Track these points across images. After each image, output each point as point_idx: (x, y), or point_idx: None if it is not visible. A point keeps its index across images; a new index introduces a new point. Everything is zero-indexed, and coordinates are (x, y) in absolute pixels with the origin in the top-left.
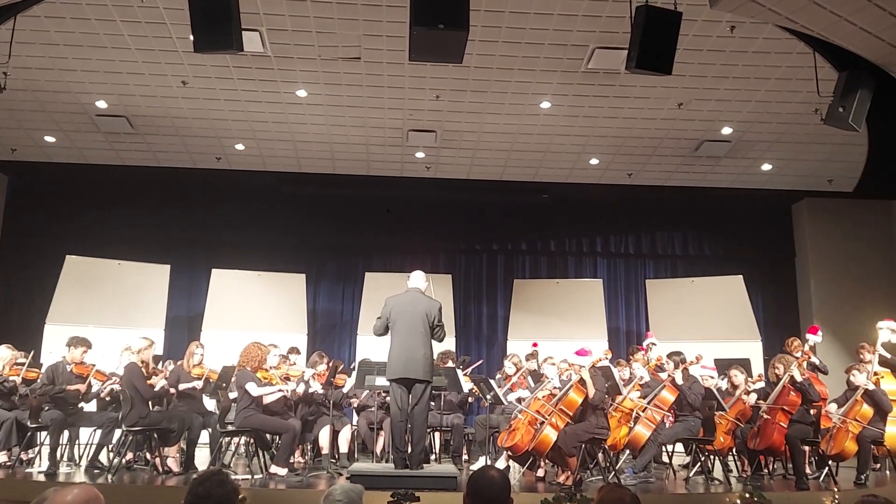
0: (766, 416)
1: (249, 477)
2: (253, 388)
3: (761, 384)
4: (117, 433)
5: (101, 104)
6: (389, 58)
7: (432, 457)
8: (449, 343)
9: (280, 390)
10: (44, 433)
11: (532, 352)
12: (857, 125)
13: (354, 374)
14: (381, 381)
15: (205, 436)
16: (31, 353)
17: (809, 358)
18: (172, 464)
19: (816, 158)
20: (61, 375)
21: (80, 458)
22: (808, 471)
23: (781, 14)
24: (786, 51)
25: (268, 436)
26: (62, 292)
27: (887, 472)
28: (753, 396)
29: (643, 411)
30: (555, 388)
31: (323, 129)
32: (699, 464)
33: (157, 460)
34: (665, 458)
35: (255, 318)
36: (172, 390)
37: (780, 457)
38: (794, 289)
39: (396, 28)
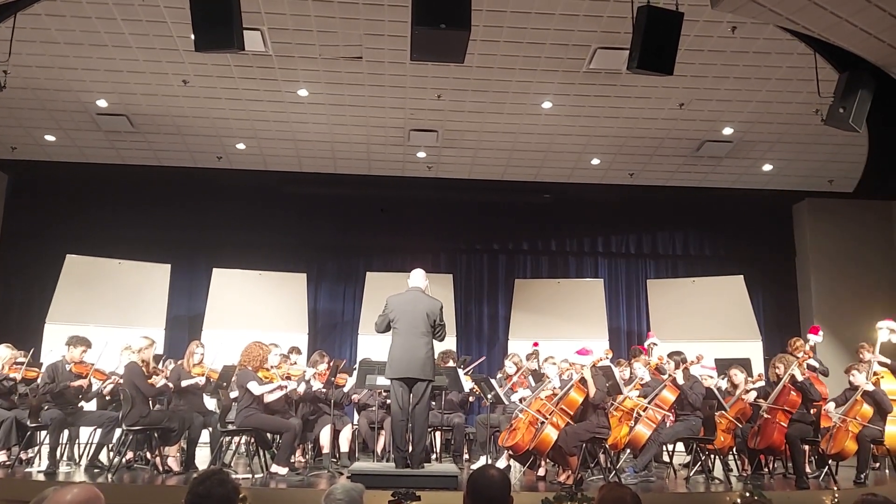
0: (766, 416)
1: (250, 476)
2: (255, 387)
3: (761, 384)
4: (117, 432)
5: (102, 103)
6: (391, 57)
7: (433, 456)
8: (450, 343)
9: (281, 386)
10: (43, 432)
11: (533, 351)
12: (858, 126)
13: (355, 373)
14: (382, 381)
15: (205, 435)
16: (31, 351)
17: (809, 358)
18: (173, 463)
19: (817, 159)
20: (61, 375)
21: (80, 457)
22: (808, 470)
23: (782, 15)
24: (787, 51)
25: (268, 435)
26: (62, 291)
27: (887, 471)
28: (753, 394)
29: (644, 411)
30: (555, 387)
31: (324, 128)
32: (699, 463)
33: (158, 459)
34: (666, 458)
35: (256, 317)
36: (172, 385)
37: (781, 456)
38: (794, 289)
39: (398, 27)
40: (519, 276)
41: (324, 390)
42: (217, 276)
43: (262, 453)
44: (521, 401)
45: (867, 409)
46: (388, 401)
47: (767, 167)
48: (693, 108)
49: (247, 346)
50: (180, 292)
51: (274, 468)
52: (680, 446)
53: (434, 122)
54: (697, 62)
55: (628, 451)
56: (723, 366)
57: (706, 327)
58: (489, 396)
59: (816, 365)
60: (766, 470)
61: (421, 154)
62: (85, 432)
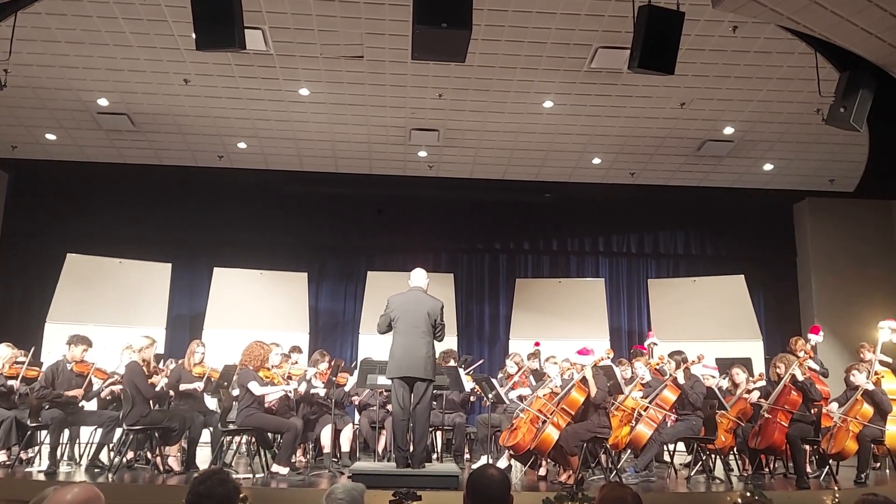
0: (767, 416)
1: (251, 476)
2: (256, 388)
3: (762, 383)
4: (118, 432)
5: (103, 102)
6: (392, 56)
7: (434, 456)
8: (451, 342)
9: (282, 391)
10: (44, 432)
11: (534, 351)
12: (859, 125)
13: (356, 372)
14: (383, 380)
15: (206, 435)
16: (31, 350)
17: (810, 358)
18: (173, 463)
19: (818, 158)
20: (61, 375)
21: (81, 457)
22: (808, 470)
23: (783, 14)
24: (787, 51)
25: (269, 435)
26: (63, 290)
27: (887, 470)
28: (756, 394)
29: (645, 410)
30: (556, 387)
31: (325, 127)
32: (700, 463)
33: (158, 459)
34: (666, 457)
35: (257, 316)
36: (170, 390)
37: (781, 456)
38: (795, 288)
39: (399, 27)
40: (520, 276)
41: (322, 394)
42: (218, 276)
43: (262, 453)
44: (521, 400)
45: (867, 409)
46: (390, 399)
47: (768, 167)
48: (694, 107)
49: (248, 346)
50: (181, 291)
51: (275, 468)
52: (681, 446)
53: (435, 122)
54: (698, 62)
55: (629, 450)
56: (724, 365)
57: (707, 327)
58: (490, 396)
59: (816, 367)
60: (767, 470)
61: (422, 153)
62: (85, 432)
